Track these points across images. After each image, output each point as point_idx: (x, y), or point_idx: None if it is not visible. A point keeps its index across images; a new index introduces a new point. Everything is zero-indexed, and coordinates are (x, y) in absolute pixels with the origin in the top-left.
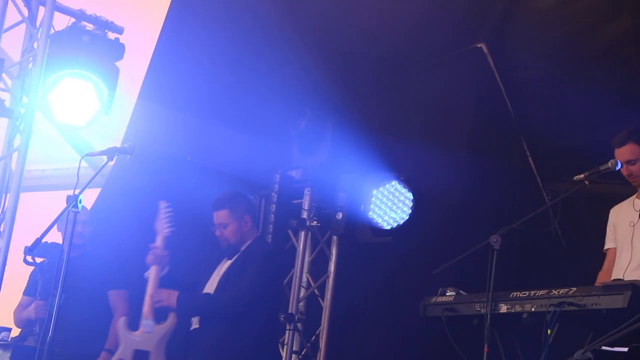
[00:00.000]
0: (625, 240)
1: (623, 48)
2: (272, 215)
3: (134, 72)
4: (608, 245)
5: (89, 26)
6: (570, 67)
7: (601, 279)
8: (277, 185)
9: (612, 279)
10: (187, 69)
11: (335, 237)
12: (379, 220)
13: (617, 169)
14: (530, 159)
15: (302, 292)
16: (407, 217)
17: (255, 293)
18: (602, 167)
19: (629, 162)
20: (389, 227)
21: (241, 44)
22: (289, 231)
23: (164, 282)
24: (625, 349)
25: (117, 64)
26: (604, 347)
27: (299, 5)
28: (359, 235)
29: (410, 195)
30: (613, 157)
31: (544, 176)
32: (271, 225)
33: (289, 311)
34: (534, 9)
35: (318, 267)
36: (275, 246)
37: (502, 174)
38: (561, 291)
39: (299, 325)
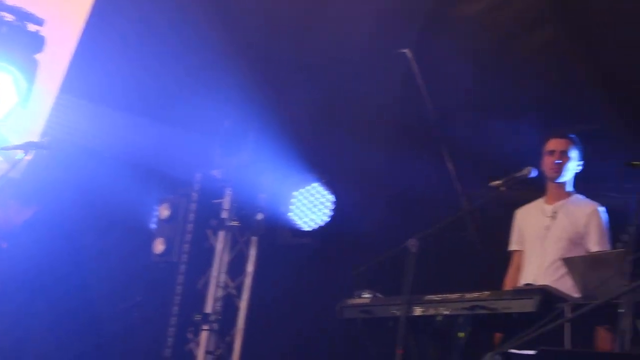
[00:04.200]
0: (536, 244)
1: (545, 57)
2: (192, 214)
3: (55, 65)
4: (514, 246)
5: (8, 17)
6: (494, 74)
7: (509, 281)
8: (198, 184)
9: (522, 282)
10: (110, 64)
11: (254, 238)
12: (300, 222)
13: (531, 175)
14: (451, 163)
15: (220, 292)
16: (327, 219)
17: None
18: (518, 174)
19: (563, 152)
20: (309, 229)
21: (167, 40)
22: (208, 231)
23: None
24: (533, 352)
25: (37, 56)
26: (512, 350)
27: (226, 6)
28: (279, 236)
29: (331, 197)
30: (530, 164)
31: (465, 181)
32: (191, 225)
33: (205, 311)
34: (459, 16)
35: (236, 268)
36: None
37: (424, 178)
38: (474, 295)
39: (214, 325)
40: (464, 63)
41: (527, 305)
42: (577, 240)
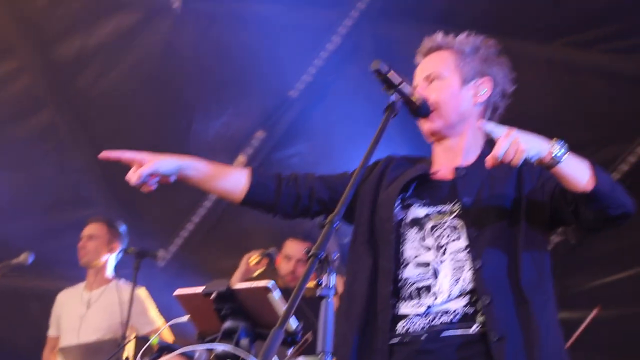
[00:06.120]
0: (72, 334)
1: (44, 141)
2: None
3: None
4: (52, 332)
5: None
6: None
7: None
8: None
9: None
10: None
11: None
12: None
13: (30, 262)
14: None
15: None
16: None
17: None
18: (14, 261)
19: (90, 237)
20: None
21: None
22: None
23: None
24: None
25: None
26: None
27: None
28: None
29: None
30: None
31: None
32: None
33: None
34: None
35: None
36: None
37: None
38: None
39: None
40: None
41: None
42: (114, 328)
